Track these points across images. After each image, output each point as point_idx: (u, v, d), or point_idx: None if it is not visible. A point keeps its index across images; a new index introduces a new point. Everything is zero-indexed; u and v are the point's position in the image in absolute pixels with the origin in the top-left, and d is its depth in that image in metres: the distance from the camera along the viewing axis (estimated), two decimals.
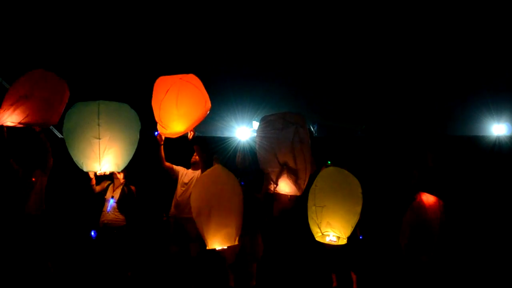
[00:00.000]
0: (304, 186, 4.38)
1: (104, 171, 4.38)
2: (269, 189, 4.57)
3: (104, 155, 4.29)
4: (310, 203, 4.50)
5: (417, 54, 8.26)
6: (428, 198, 5.03)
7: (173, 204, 5.22)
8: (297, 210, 4.73)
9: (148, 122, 4.77)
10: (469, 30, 7.83)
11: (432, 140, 6.08)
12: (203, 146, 5.15)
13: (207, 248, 4.47)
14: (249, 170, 4.94)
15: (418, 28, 8.09)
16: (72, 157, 4.38)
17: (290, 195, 4.62)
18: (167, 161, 5.18)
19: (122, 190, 5.13)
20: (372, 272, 5.59)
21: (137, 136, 4.52)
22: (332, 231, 4.38)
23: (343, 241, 4.43)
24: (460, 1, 7.73)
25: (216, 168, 4.57)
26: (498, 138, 6.61)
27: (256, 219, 4.99)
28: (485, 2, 7.61)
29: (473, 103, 7.71)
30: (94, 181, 5.01)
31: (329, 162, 4.91)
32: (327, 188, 4.46)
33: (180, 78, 4.64)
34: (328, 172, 4.54)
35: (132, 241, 5.24)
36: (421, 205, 4.98)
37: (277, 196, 4.75)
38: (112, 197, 5.12)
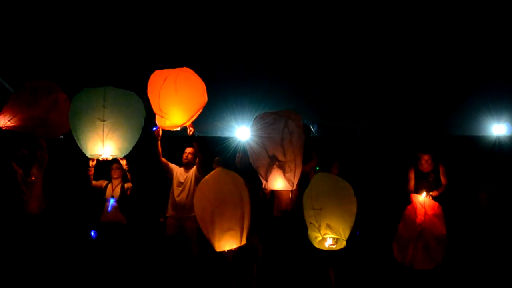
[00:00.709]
0: (295, 180, 4.32)
1: (107, 156, 4.38)
2: (263, 188, 4.55)
3: (108, 138, 4.30)
4: (307, 208, 4.55)
5: (417, 54, 8.26)
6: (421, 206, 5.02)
7: (170, 204, 5.20)
8: (298, 211, 4.73)
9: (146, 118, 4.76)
10: (469, 30, 7.83)
11: (432, 140, 6.08)
12: (202, 144, 5.14)
13: (216, 251, 4.46)
14: (249, 170, 4.93)
15: (418, 28, 8.08)
16: (76, 141, 4.39)
17: (291, 195, 4.61)
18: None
19: (122, 189, 5.12)
20: (367, 271, 5.60)
21: (141, 124, 4.53)
22: (331, 233, 4.39)
23: (343, 243, 4.45)
24: (460, 1, 7.73)
25: (218, 171, 4.58)
26: (498, 138, 6.61)
27: (256, 219, 4.99)
28: (485, 2, 7.61)
29: (473, 103, 7.71)
30: (92, 171, 4.94)
31: (317, 168, 4.94)
32: (321, 192, 4.52)
33: (176, 69, 4.72)
34: (319, 177, 4.60)
35: (133, 241, 5.23)
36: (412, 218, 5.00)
37: (278, 196, 4.75)
38: (112, 196, 5.11)
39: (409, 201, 5.25)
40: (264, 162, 4.36)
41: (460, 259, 5.43)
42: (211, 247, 5.25)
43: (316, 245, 4.50)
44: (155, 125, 4.86)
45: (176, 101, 4.65)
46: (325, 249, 4.49)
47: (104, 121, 4.26)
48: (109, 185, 5.18)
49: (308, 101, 8.71)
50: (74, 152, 6.48)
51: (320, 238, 4.45)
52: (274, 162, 4.32)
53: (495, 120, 6.96)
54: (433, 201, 5.10)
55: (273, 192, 4.79)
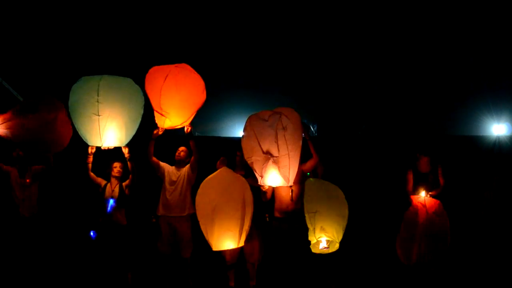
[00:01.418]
0: (291, 176, 4.29)
1: (108, 146, 4.39)
2: (262, 186, 4.54)
3: (105, 131, 4.30)
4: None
5: (417, 54, 8.26)
6: (422, 205, 5.02)
7: (161, 203, 5.12)
8: (299, 211, 4.72)
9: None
10: (469, 31, 7.83)
11: (431, 141, 6.08)
12: (199, 144, 5.10)
13: (213, 250, 4.49)
14: (249, 169, 4.92)
15: (418, 28, 8.09)
16: (77, 131, 4.40)
17: (291, 195, 4.59)
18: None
19: (120, 188, 5.08)
20: (370, 273, 5.60)
21: (140, 111, 4.47)
22: (325, 235, 4.45)
23: (336, 246, 4.51)
24: (460, 2, 7.73)
25: (223, 170, 4.57)
26: (498, 138, 6.61)
27: (256, 219, 4.98)
28: (485, 2, 7.61)
29: (473, 103, 7.72)
30: (91, 159, 4.90)
31: (308, 174, 4.99)
32: (315, 196, 4.57)
33: (176, 66, 4.67)
34: (312, 183, 4.67)
35: (132, 241, 5.20)
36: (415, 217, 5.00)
37: (278, 196, 4.73)
38: (111, 197, 5.06)
39: (409, 202, 5.23)
40: (259, 158, 4.32)
41: (463, 258, 5.42)
42: (207, 248, 5.27)
43: (312, 249, 4.53)
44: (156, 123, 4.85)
45: (178, 100, 4.65)
46: (318, 252, 4.52)
47: (99, 115, 4.25)
48: (108, 185, 5.14)
49: (308, 101, 8.72)
50: (74, 151, 6.53)
51: (315, 241, 4.48)
52: (268, 157, 4.27)
53: (495, 120, 6.96)
54: (433, 199, 5.08)
55: (274, 192, 4.78)
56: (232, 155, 5.34)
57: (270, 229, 4.86)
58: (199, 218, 4.46)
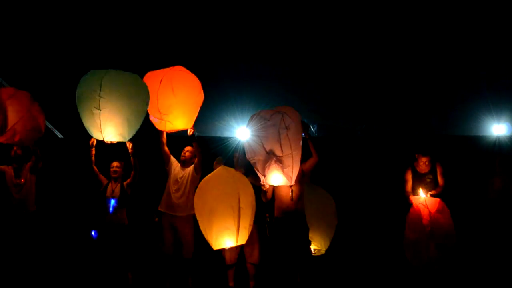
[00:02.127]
0: (294, 176, 4.30)
1: (110, 140, 4.42)
2: (262, 186, 4.54)
3: (106, 126, 4.33)
4: None
5: (417, 53, 8.25)
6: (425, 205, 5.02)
7: (164, 202, 5.13)
8: (299, 211, 4.72)
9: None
10: (469, 30, 7.82)
11: (430, 141, 6.07)
12: (201, 145, 5.12)
13: (214, 249, 4.49)
14: (247, 170, 4.92)
15: (418, 27, 8.08)
16: (83, 122, 4.46)
17: (292, 195, 4.59)
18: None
19: (121, 188, 5.07)
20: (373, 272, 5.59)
21: (144, 107, 4.49)
22: (313, 244, 4.81)
23: (322, 252, 4.81)
24: (460, 1, 7.73)
25: (220, 169, 4.58)
26: (498, 138, 6.60)
27: (256, 219, 4.98)
28: (485, 2, 7.61)
29: (473, 103, 7.71)
30: (93, 151, 4.90)
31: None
32: (307, 207, 4.78)
33: (170, 69, 4.71)
34: (307, 189, 4.83)
35: (134, 241, 5.19)
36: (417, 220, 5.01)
37: (279, 196, 4.73)
38: (113, 197, 5.05)
39: (409, 203, 5.22)
40: (261, 158, 4.32)
41: (464, 258, 5.42)
42: (207, 248, 5.27)
43: None
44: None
45: (176, 103, 4.66)
46: None
47: (100, 110, 4.27)
48: (109, 185, 5.14)
49: (308, 101, 8.71)
50: (74, 151, 6.53)
51: None
52: (271, 157, 4.27)
53: (495, 120, 6.95)
54: (434, 198, 5.07)
55: (274, 192, 4.78)
56: (232, 155, 5.35)
57: (270, 229, 4.86)
58: (198, 219, 4.47)
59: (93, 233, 5.15)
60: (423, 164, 5.35)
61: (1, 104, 4.56)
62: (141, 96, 4.48)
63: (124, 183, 5.10)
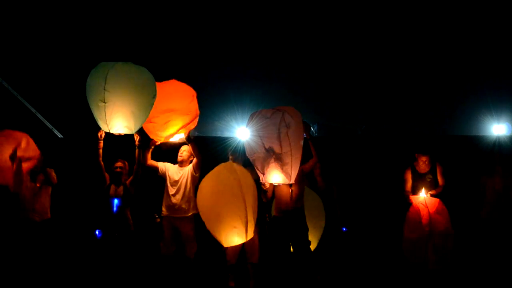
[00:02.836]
0: (293, 174, 4.29)
1: (117, 132, 4.44)
2: (263, 185, 4.54)
3: (112, 119, 4.35)
4: None
5: (417, 54, 8.26)
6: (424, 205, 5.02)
7: (164, 204, 5.11)
8: (298, 211, 4.72)
9: None
10: (469, 30, 7.83)
11: (430, 141, 6.06)
12: (200, 146, 5.11)
13: (224, 246, 4.52)
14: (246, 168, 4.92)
15: (418, 27, 8.08)
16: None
17: (291, 195, 4.59)
18: (152, 158, 5.16)
19: (124, 187, 5.03)
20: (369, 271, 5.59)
21: (151, 100, 4.49)
22: None
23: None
24: (460, 1, 7.74)
25: (219, 168, 4.57)
26: (498, 138, 6.60)
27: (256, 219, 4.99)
28: (485, 2, 7.61)
29: (473, 103, 7.71)
30: (101, 144, 4.87)
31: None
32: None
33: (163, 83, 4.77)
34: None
35: (138, 242, 5.15)
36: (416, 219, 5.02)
37: (278, 195, 4.74)
38: (116, 196, 5.00)
39: (408, 203, 5.22)
40: (261, 155, 4.31)
41: (464, 259, 5.42)
42: (209, 248, 5.26)
43: None
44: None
45: (168, 110, 4.72)
46: None
47: (105, 103, 4.28)
48: (112, 184, 5.10)
49: (308, 101, 8.72)
50: (74, 151, 6.53)
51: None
52: (271, 155, 4.27)
53: (495, 120, 6.95)
54: (433, 198, 5.07)
55: (273, 192, 4.78)
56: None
57: (270, 228, 4.86)
58: (203, 219, 4.47)
59: (97, 232, 5.10)
60: (423, 164, 5.34)
61: None
62: (147, 89, 4.48)
63: (127, 181, 5.06)
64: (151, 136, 4.95)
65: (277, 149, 4.22)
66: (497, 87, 7.73)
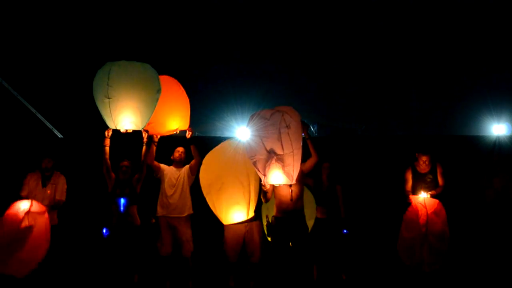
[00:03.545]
0: (295, 174, 4.30)
1: (124, 129, 4.45)
2: (263, 186, 4.54)
3: (117, 114, 4.36)
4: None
5: (417, 54, 8.26)
6: (422, 205, 5.02)
7: (160, 205, 5.10)
8: (298, 211, 4.72)
9: None
10: (469, 30, 7.83)
11: (430, 141, 6.06)
12: (200, 145, 5.11)
13: (224, 224, 4.53)
14: None
15: (418, 28, 8.09)
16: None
17: (291, 195, 4.59)
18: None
19: (131, 185, 5.01)
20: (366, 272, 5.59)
21: (154, 96, 4.50)
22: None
23: None
24: (460, 1, 7.74)
25: (226, 143, 4.56)
26: (498, 138, 6.60)
27: (256, 218, 4.99)
28: (485, 2, 7.61)
29: (473, 103, 7.71)
30: (107, 142, 4.87)
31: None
32: None
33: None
34: None
35: (144, 242, 5.13)
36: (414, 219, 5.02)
37: (278, 196, 4.73)
38: (123, 196, 4.97)
39: (407, 202, 5.22)
40: (262, 157, 4.31)
41: (465, 258, 5.42)
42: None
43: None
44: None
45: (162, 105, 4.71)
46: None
47: (109, 98, 4.31)
48: (119, 183, 5.07)
49: (308, 101, 8.72)
50: (74, 151, 6.53)
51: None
52: (272, 156, 4.27)
53: (495, 120, 6.95)
54: (432, 199, 5.07)
55: (273, 192, 4.78)
56: None
57: (269, 228, 4.86)
58: (205, 195, 4.48)
59: (104, 231, 5.07)
60: (423, 164, 5.34)
61: None
62: (151, 83, 4.50)
63: (133, 179, 5.04)
64: (152, 132, 4.96)
65: (278, 150, 4.22)
66: (497, 87, 7.74)
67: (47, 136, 7.54)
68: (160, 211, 5.10)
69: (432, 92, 8.27)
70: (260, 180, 4.49)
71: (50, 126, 7.71)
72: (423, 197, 5.07)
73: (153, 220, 5.16)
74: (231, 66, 8.48)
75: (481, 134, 7.07)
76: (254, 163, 4.34)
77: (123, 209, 4.92)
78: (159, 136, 5.10)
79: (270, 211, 4.86)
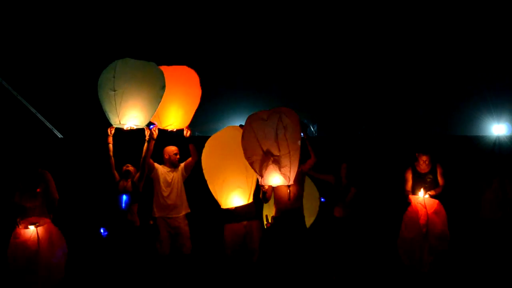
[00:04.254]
0: (292, 175, 4.29)
1: (128, 125, 4.45)
2: (262, 186, 4.54)
3: (121, 108, 4.36)
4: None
5: (417, 54, 8.27)
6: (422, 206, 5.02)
7: (157, 206, 5.06)
8: (297, 211, 4.72)
9: None
10: (469, 30, 7.83)
11: (430, 141, 6.07)
12: (199, 145, 5.10)
13: (222, 207, 4.55)
14: None
15: (418, 28, 8.09)
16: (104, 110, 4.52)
17: (289, 195, 4.59)
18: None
19: (133, 184, 4.99)
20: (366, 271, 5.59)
21: (159, 93, 4.50)
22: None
23: None
24: (460, 1, 7.74)
25: (229, 128, 4.56)
26: (498, 138, 6.60)
27: (256, 218, 4.99)
28: (485, 2, 7.62)
29: (473, 103, 7.73)
30: (110, 139, 4.83)
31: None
32: None
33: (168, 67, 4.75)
34: None
35: (144, 242, 5.12)
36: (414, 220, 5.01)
37: (277, 196, 4.73)
38: (125, 193, 4.94)
39: (407, 202, 5.22)
40: (259, 158, 4.31)
41: (463, 259, 5.42)
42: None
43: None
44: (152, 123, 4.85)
45: (173, 97, 4.70)
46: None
47: (114, 90, 4.31)
48: (121, 181, 5.05)
49: (308, 101, 8.73)
50: (74, 151, 6.53)
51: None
52: (269, 157, 4.27)
53: (495, 120, 6.96)
54: (432, 199, 5.07)
55: (273, 192, 4.78)
56: None
57: (269, 228, 4.86)
58: (206, 178, 4.47)
59: (102, 230, 5.06)
60: (423, 163, 5.34)
61: None
62: (156, 79, 4.51)
63: (134, 177, 5.01)
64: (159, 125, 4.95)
65: (275, 151, 4.21)
66: (497, 87, 7.74)
67: (47, 136, 7.55)
68: (157, 212, 5.08)
69: (432, 92, 8.27)
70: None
71: (50, 126, 7.72)
72: (422, 197, 5.07)
73: (151, 222, 5.14)
74: (231, 67, 8.49)
75: (481, 134, 7.08)
76: (251, 164, 4.34)
77: (125, 206, 4.90)
78: (157, 130, 5.05)
79: (271, 212, 4.86)
